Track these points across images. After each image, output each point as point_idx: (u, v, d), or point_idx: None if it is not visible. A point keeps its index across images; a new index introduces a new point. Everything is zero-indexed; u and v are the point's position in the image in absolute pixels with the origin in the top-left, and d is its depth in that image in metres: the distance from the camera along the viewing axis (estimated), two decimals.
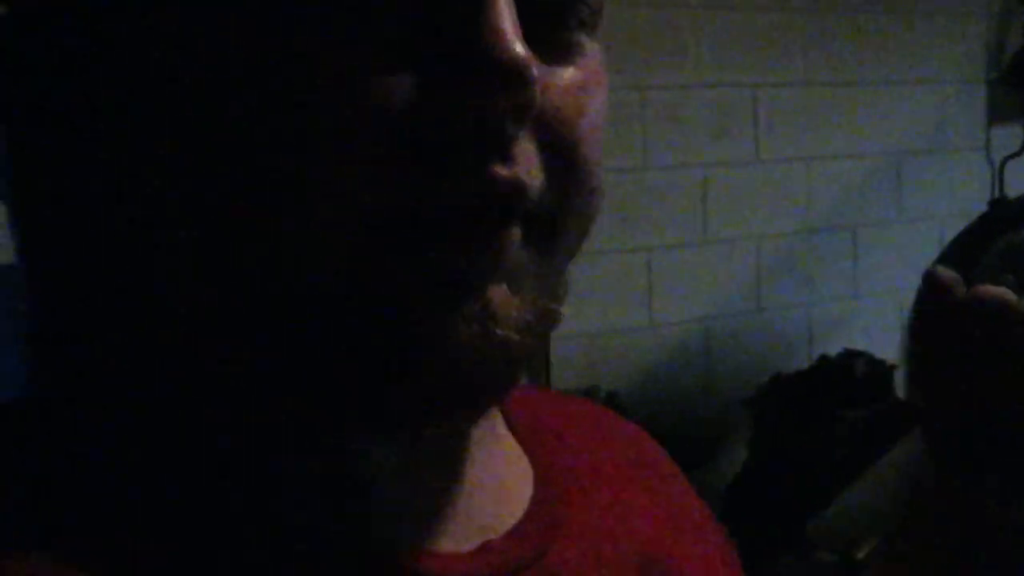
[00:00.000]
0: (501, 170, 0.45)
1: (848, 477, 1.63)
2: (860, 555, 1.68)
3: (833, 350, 2.84)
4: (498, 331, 0.46)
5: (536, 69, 0.44)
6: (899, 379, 2.87)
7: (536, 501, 0.57)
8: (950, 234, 3.12)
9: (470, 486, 0.54)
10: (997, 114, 3.30)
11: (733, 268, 2.73)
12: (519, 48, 0.43)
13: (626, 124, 2.52)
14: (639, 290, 2.53)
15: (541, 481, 0.59)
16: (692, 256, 2.63)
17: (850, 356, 2.74)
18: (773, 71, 2.76)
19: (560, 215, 0.48)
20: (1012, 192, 3.17)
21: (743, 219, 2.71)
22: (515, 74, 0.43)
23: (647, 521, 0.63)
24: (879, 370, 2.70)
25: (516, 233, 0.46)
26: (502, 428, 0.60)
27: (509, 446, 0.60)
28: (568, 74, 0.48)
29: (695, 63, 2.63)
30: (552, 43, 0.48)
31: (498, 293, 0.46)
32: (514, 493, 0.57)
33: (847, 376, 2.63)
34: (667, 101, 2.58)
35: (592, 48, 0.50)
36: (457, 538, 0.53)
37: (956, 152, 3.19)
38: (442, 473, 0.54)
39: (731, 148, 2.66)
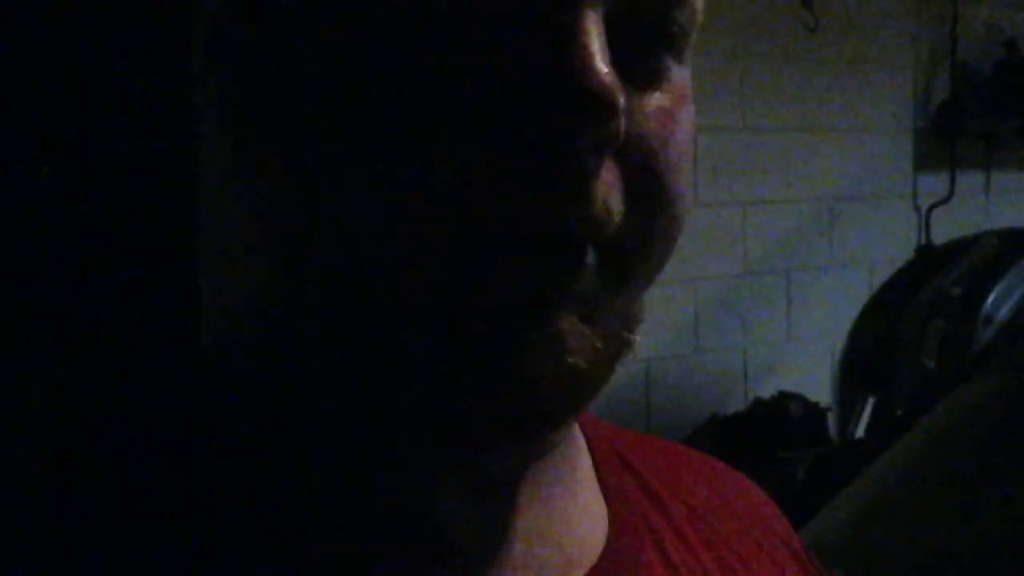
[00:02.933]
0: (578, 209, 0.43)
1: (797, 518, 1.65)
2: None
3: (767, 392, 2.89)
4: (568, 359, 0.45)
5: (624, 98, 0.42)
6: (832, 421, 2.92)
7: (606, 555, 0.54)
8: (879, 279, 3.19)
9: (537, 531, 0.52)
10: (924, 162, 3.39)
11: (672, 310, 2.77)
12: (608, 76, 0.42)
13: None
14: None
15: (615, 533, 0.56)
16: None
17: (784, 398, 2.79)
18: (712, 116, 2.80)
19: (641, 242, 0.47)
20: (937, 239, 3.26)
21: (681, 261, 2.74)
22: (603, 104, 0.42)
23: None
24: (813, 412, 2.75)
25: (591, 261, 0.45)
26: (584, 469, 0.57)
27: (589, 490, 0.57)
28: (655, 100, 0.47)
29: None
30: (640, 68, 0.46)
31: (570, 321, 0.45)
32: (585, 542, 0.54)
33: (783, 417, 2.67)
34: None
35: (680, 73, 0.48)
36: None
37: (885, 199, 3.26)
38: (510, 516, 0.51)
39: None
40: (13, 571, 0.45)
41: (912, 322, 2.94)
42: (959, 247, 3.14)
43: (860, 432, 2.86)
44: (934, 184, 3.34)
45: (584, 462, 0.58)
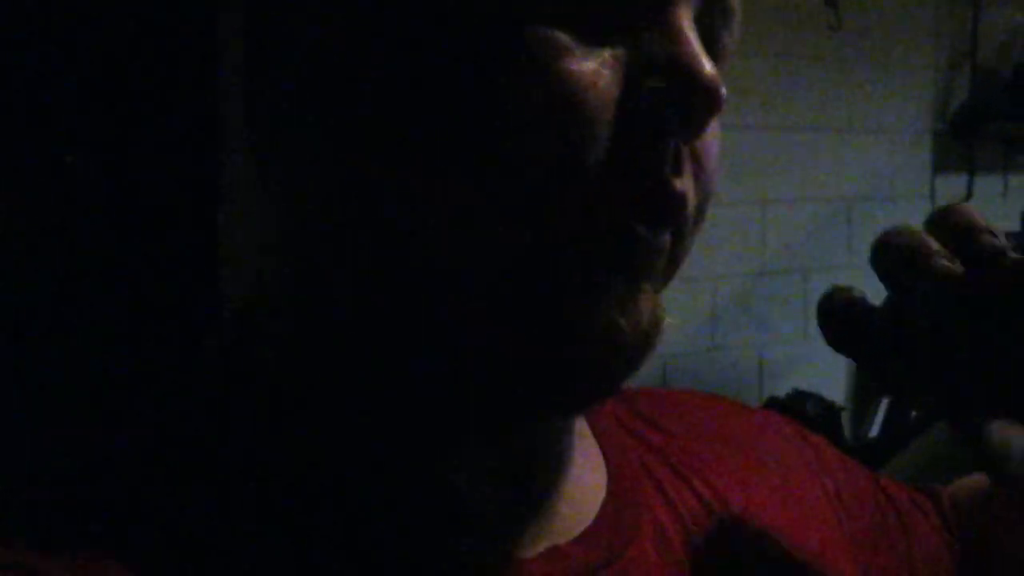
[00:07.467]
0: (677, 181, 0.46)
1: None
2: None
3: (783, 390, 2.90)
4: (640, 325, 0.47)
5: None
6: (846, 421, 2.93)
7: (609, 503, 0.56)
8: None
9: (544, 488, 0.53)
10: (942, 164, 3.39)
11: (690, 307, 2.78)
12: (714, 68, 0.45)
13: None
14: None
15: (614, 481, 0.57)
16: None
17: (800, 397, 2.80)
18: (732, 115, 2.81)
19: (692, 230, 0.50)
20: None
21: (700, 259, 2.76)
22: (714, 91, 0.44)
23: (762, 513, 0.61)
24: (828, 411, 2.76)
25: (667, 240, 0.48)
26: (582, 427, 0.58)
27: (589, 441, 0.58)
28: None
29: None
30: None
31: (647, 291, 0.48)
32: (590, 494, 0.56)
33: (798, 416, 2.68)
34: None
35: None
36: (525, 544, 0.51)
37: (903, 200, 3.27)
38: (518, 476, 0.53)
39: None
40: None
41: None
42: None
43: (874, 432, 2.87)
44: (952, 186, 3.34)
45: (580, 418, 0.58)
